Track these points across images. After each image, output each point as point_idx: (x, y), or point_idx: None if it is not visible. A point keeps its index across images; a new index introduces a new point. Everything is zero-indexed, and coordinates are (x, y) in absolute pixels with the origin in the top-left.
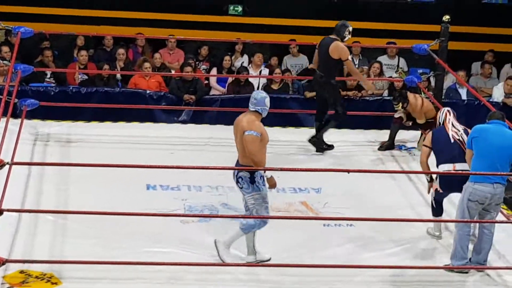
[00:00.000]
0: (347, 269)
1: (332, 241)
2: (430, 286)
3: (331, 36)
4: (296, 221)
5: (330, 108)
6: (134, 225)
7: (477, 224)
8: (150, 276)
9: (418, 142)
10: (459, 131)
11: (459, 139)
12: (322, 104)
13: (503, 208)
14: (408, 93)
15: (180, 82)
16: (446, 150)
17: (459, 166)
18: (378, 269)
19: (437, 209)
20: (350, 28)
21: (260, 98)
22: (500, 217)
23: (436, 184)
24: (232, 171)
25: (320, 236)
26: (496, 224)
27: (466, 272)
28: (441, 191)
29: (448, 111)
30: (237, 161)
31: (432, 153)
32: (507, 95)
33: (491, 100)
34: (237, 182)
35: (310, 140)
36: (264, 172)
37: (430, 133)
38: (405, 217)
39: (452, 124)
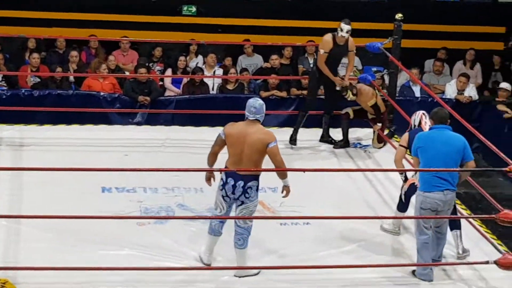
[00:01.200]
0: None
1: (289, 240)
2: (388, 284)
3: None
4: (253, 221)
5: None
6: (90, 228)
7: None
8: (106, 280)
9: (373, 140)
10: None
11: None
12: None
13: (457, 202)
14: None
15: (135, 84)
16: None
17: None
18: (335, 268)
19: (405, 205)
20: (343, 26)
21: (259, 106)
22: (482, 240)
23: (415, 179)
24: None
25: (277, 235)
26: (477, 246)
27: (431, 280)
28: (419, 185)
29: (423, 113)
30: (231, 172)
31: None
32: (460, 92)
33: (444, 96)
34: (245, 192)
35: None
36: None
37: (406, 134)
38: (361, 213)
39: (429, 126)
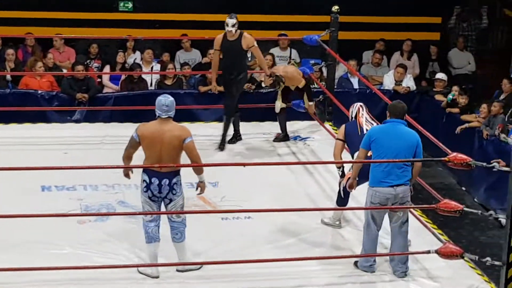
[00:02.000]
0: (245, 263)
1: (231, 235)
2: (329, 276)
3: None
4: (195, 216)
5: (227, 102)
6: (30, 227)
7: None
8: (49, 279)
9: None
10: (372, 124)
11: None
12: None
13: (421, 216)
14: (277, 67)
15: (72, 81)
16: (360, 139)
17: None
18: (276, 262)
19: (344, 200)
20: (227, 20)
21: (171, 103)
22: (423, 230)
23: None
24: None
25: (219, 230)
26: (409, 227)
27: (373, 272)
28: (357, 178)
29: (361, 106)
30: (154, 171)
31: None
32: (397, 83)
33: (382, 88)
34: (172, 189)
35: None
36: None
37: (343, 126)
38: (302, 206)
39: (366, 119)
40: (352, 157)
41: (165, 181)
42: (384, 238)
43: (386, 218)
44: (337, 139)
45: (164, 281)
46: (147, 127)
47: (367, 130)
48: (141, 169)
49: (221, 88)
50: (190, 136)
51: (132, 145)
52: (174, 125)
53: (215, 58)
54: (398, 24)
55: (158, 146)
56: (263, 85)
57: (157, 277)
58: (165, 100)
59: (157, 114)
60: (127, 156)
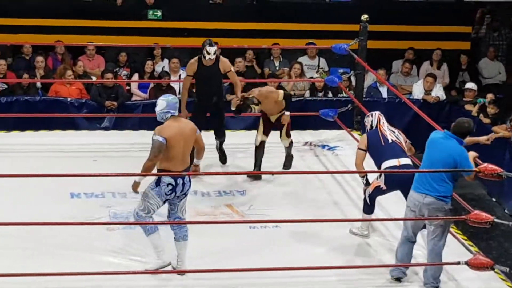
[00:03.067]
0: (275, 271)
1: (259, 244)
2: (357, 286)
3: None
4: (222, 225)
5: (221, 130)
6: (59, 234)
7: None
8: (78, 286)
9: (281, 134)
10: (394, 132)
11: (396, 140)
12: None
13: (456, 232)
14: (253, 90)
15: (101, 89)
16: (386, 149)
17: (403, 161)
18: (306, 270)
19: (371, 207)
20: (209, 49)
21: (177, 100)
22: (453, 242)
23: (380, 181)
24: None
25: (246, 239)
26: (446, 246)
27: (401, 278)
28: (384, 188)
29: (380, 114)
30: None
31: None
32: (427, 92)
33: (411, 97)
34: (190, 184)
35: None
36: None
37: (365, 136)
38: (331, 217)
39: (388, 128)
40: (379, 168)
41: (187, 178)
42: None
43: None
44: (359, 148)
45: None
46: (170, 128)
47: (392, 140)
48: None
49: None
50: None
51: (161, 150)
52: (184, 120)
53: (185, 83)
54: (428, 33)
55: (181, 143)
56: (232, 108)
57: (169, 264)
58: (173, 98)
59: (170, 113)
60: (154, 165)
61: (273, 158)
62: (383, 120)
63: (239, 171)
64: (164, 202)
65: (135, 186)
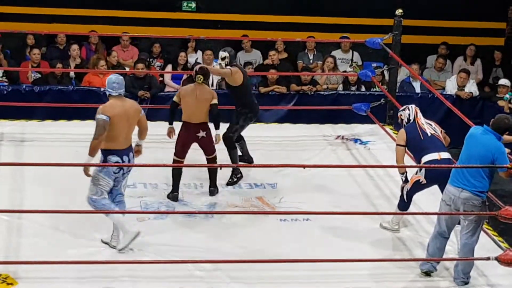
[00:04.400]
0: (305, 264)
1: (289, 236)
2: (386, 281)
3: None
4: (253, 217)
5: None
6: (90, 223)
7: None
8: (106, 275)
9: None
10: (431, 125)
11: (435, 133)
12: None
13: (487, 227)
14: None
15: (134, 80)
16: (426, 143)
17: (444, 155)
18: (335, 263)
19: (406, 204)
20: (222, 53)
21: (122, 80)
22: (483, 237)
23: (420, 175)
24: None
25: (277, 231)
26: (478, 243)
27: (431, 272)
28: (424, 182)
29: (416, 108)
30: (124, 150)
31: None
32: (460, 88)
33: (444, 92)
34: (133, 160)
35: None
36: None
37: (403, 131)
38: (361, 210)
39: (425, 121)
40: (419, 162)
41: (131, 155)
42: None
43: None
44: (398, 144)
45: (218, 280)
46: (113, 107)
47: (431, 134)
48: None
49: None
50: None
51: (106, 129)
52: (129, 100)
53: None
54: (462, 29)
55: (125, 123)
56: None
57: (138, 232)
58: (117, 77)
59: (116, 93)
60: (100, 142)
61: (303, 152)
62: (419, 113)
63: (274, 164)
64: (114, 181)
65: (87, 169)
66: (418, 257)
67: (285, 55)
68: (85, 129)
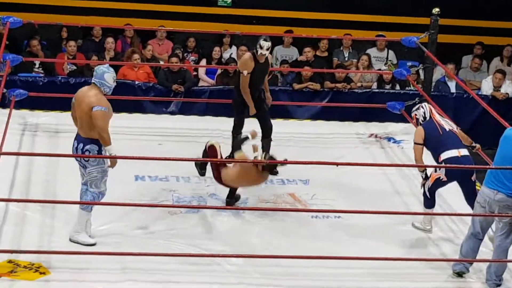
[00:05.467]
0: (334, 261)
1: (320, 233)
2: (415, 281)
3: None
4: (284, 213)
5: (269, 123)
6: (122, 215)
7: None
8: (138, 266)
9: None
10: (447, 121)
11: (452, 129)
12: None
13: None
14: None
15: (169, 73)
16: (445, 139)
17: (463, 152)
18: (366, 261)
19: (431, 200)
20: (263, 43)
21: (99, 70)
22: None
23: (440, 173)
24: None
25: (308, 228)
26: None
27: (463, 272)
28: (445, 179)
29: (430, 105)
30: (78, 134)
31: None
32: (496, 88)
33: (480, 93)
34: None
35: None
36: (105, 148)
37: (421, 129)
38: (394, 209)
39: (441, 117)
40: (438, 158)
41: (80, 146)
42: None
43: None
44: (416, 143)
45: (249, 275)
46: (80, 90)
47: (449, 129)
48: None
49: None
50: (103, 107)
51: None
52: (95, 93)
53: (246, 81)
54: (499, 29)
55: (78, 109)
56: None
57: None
58: (98, 67)
59: (108, 90)
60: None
61: (336, 149)
62: (434, 110)
63: (307, 161)
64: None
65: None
66: (449, 257)
67: (325, 54)
68: (119, 121)
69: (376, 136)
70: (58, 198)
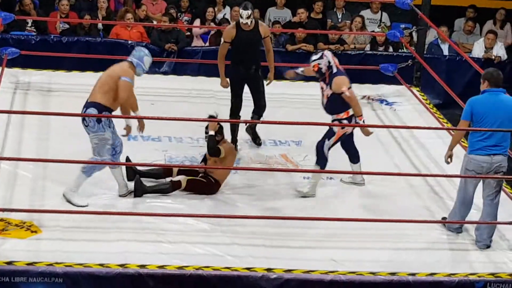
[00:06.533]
0: (324, 221)
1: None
2: (411, 241)
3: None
4: (276, 174)
5: (262, 101)
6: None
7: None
8: (129, 226)
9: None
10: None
11: None
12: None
13: (506, 187)
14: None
15: (162, 33)
16: None
17: None
18: (358, 222)
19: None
20: (241, 12)
21: (141, 54)
22: (504, 199)
23: (346, 129)
24: None
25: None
26: (499, 204)
27: (459, 232)
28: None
29: (330, 52)
30: (87, 101)
31: None
32: (487, 50)
33: (471, 55)
34: (83, 120)
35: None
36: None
37: (345, 77)
38: (385, 170)
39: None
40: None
41: (83, 110)
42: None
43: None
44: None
45: (230, 234)
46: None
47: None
48: None
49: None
50: (130, 79)
51: None
52: (125, 65)
53: (222, 50)
54: None
55: (104, 75)
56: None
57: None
58: (138, 48)
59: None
60: None
61: None
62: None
63: (299, 121)
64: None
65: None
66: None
67: (319, 16)
68: None
69: (368, 98)
70: (49, 157)
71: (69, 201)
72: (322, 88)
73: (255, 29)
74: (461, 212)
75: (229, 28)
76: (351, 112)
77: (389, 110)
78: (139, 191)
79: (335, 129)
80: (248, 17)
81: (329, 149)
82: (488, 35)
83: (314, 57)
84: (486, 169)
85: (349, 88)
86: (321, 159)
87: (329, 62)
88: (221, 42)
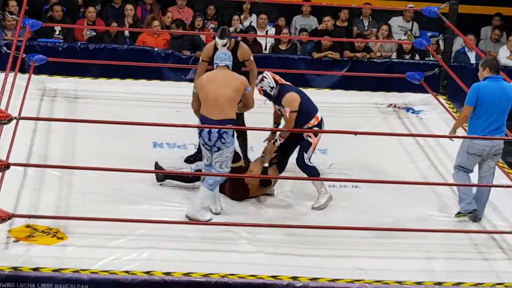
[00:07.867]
0: (351, 231)
1: (337, 203)
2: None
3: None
4: (301, 182)
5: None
6: (141, 182)
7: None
8: (155, 233)
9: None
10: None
11: None
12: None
13: (502, 166)
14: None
15: (174, 39)
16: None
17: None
18: (383, 231)
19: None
20: (217, 41)
21: (226, 53)
22: (498, 172)
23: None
24: None
25: None
26: (494, 180)
27: (477, 216)
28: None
29: (270, 72)
30: (207, 119)
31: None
32: None
33: None
34: (221, 138)
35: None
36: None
37: (294, 94)
38: (411, 179)
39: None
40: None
41: (215, 131)
42: None
43: None
44: (293, 111)
45: (264, 243)
46: (200, 78)
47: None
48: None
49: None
50: (249, 87)
51: (193, 98)
52: (234, 74)
53: (200, 70)
54: None
55: (220, 91)
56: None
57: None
58: (222, 50)
59: (216, 64)
60: (197, 110)
61: (355, 119)
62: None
63: (325, 130)
64: (209, 151)
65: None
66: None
67: (345, 23)
68: (138, 88)
69: (394, 106)
70: (76, 163)
71: (195, 220)
72: (279, 110)
73: (233, 51)
74: (467, 188)
75: (208, 46)
76: (319, 116)
77: (415, 119)
78: (160, 176)
79: (310, 139)
80: (224, 46)
81: (309, 159)
82: (510, 37)
83: (256, 82)
84: (487, 152)
85: (294, 111)
86: (310, 170)
87: (270, 83)
88: (199, 61)
